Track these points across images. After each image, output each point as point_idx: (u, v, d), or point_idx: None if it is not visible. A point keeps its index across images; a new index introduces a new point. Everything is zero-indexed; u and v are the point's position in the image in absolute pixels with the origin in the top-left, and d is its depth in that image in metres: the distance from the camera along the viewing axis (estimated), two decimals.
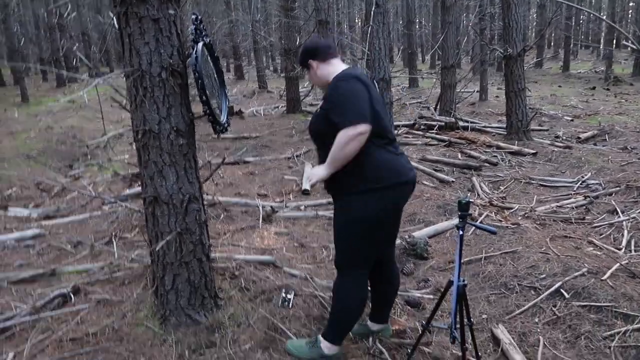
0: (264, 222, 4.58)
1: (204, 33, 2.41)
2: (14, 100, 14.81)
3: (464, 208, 1.82)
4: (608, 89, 16.09)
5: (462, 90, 11.03)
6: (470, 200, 2.17)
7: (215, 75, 2.67)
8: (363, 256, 2.22)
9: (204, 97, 2.23)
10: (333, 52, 2.30)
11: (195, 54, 2.23)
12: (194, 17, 2.33)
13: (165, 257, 2.41)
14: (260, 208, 4.78)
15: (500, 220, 4.17)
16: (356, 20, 29.13)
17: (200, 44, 2.29)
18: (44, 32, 23.11)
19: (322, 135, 2.16)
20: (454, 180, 5.75)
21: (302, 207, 5.05)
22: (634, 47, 4.44)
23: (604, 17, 29.52)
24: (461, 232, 1.86)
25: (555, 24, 25.86)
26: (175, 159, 2.31)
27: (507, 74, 7.30)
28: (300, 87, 11.87)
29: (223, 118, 2.54)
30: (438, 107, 9.97)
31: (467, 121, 8.68)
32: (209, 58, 2.58)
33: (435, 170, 6.09)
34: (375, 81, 5.94)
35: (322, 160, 2.20)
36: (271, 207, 4.85)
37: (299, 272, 3.26)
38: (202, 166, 4.01)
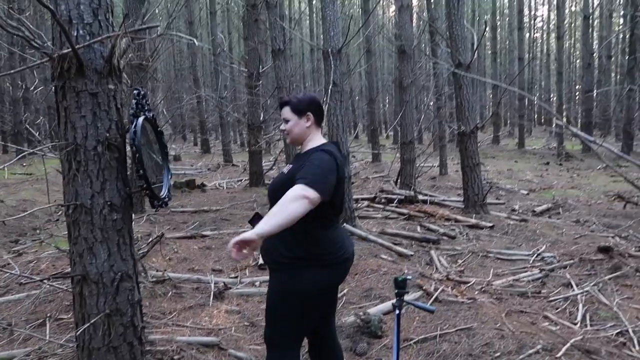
0: (215, 300, 4.38)
1: (146, 107, 2.40)
2: None
3: (400, 285, 1.76)
4: (561, 164, 16.88)
5: (422, 165, 11.35)
6: (408, 277, 2.13)
7: (158, 149, 2.63)
8: (295, 332, 2.16)
9: (140, 171, 2.17)
10: (321, 122, 2.36)
11: (135, 127, 2.20)
12: (135, 92, 2.32)
13: (91, 342, 2.23)
14: (212, 285, 4.59)
15: (457, 295, 4.11)
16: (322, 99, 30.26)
17: (140, 119, 2.27)
18: (8, 105, 23.02)
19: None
20: (412, 254, 5.72)
21: (257, 283, 4.89)
22: (562, 125, 4.69)
23: (554, 98, 31.65)
24: (397, 312, 1.79)
25: (509, 104, 27.52)
26: (107, 235, 2.20)
27: (462, 150, 7.57)
28: (263, 161, 11.98)
29: (164, 192, 2.47)
30: (399, 181, 10.17)
31: (426, 194, 8.84)
32: (151, 132, 2.55)
33: (394, 243, 6.07)
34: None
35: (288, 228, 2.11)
36: (224, 283, 4.66)
37: (246, 354, 3.07)
38: (154, 240, 3.88)
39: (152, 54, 8.01)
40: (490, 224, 6.97)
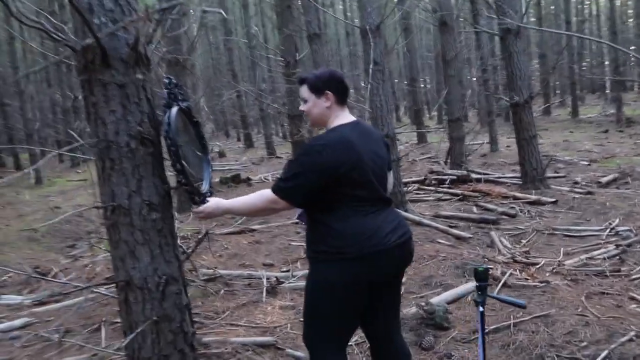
0: (268, 295, 4.23)
1: (180, 97, 2.22)
2: (28, 183, 14.98)
3: (481, 277, 1.50)
4: (621, 131, 15.80)
5: (472, 142, 10.83)
6: (489, 267, 1.86)
7: (197, 142, 2.45)
8: (331, 332, 2.00)
9: (178, 165, 2.00)
10: (345, 100, 2.12)
11: (168, 119, 2.02)
12: (166, 80, 2.15)
13: (140, 352, 2.09)
14: (265, 280, 4.45)
15: (527, 279, 3.78)
16: (361, 83, 29.80)
17: (174, 109, 2.09)
18: (61, 116, 23.93)
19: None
20: (471, 236, 5.38)
21: None
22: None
23: (607, 62, 29.78)
24: (481, 309, 1.53)
25: (559, 71, 26.06)
26: (149, 236, 2.05)
27: (516, 122, 7.10)
28: None
29: (205, 187, 2.29)
30: (448, 160, 9.74)
31: (479, 173, 8.40)
32: (188, 124, 2.38)
33: (450, 226, 5.74)
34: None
35: (309, 220, 2.08)
36: (276, 277, 4.51)
37: (304, 353, 2.88)
38: (201, 238, 3.76)
39: (189, 49, 7.96)
40: (553, 199, 6.49)
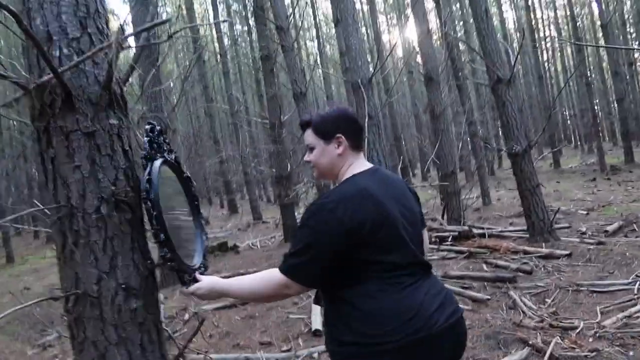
0: None
1: (165, 148, 1.77)
2: None
3: None
4: (609, 179, 15.76)
5: (466, 197, 10.52)
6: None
7: (188, 203, 1.97)
8: None
9: (161, 235, 1.51)
10: (361, 144, 1.69)
11: (149, 175, 1.56)
12: (149, 126, 1.70)
13: None
14: None
15: (573, 347, 3.25)
16: None
17: (157, 162, 1.64)
18: (37, 191, 23.19)
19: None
20: (489, 297, 4.86)
21: (315, 355, 4.10)
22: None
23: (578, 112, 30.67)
24: None
25: (534, 125, 26.59)
26: (125, 333, 1.52)
27: (517, 173, 6.79)
28: (296, 213, 11.33)
29: (197, 261, 1.79)
30: (444, 216, 9.34)
31: (481, 227, 7.99)
32: (176, 181, 1.92)
33: (464, 288, 5.22)
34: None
35: (324, 298, 1.60)
36: None
37: None
38: (189, 319, 3.20)
39: (169, 112, 7.62)
40: (567, 252, 6.05)
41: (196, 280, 1.62)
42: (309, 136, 1.66)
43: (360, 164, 1.65)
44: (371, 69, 6.19)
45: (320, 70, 19.32)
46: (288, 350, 4.30)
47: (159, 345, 1.61)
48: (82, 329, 1.51)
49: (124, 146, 1.60)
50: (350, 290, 1.50)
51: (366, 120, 5.52)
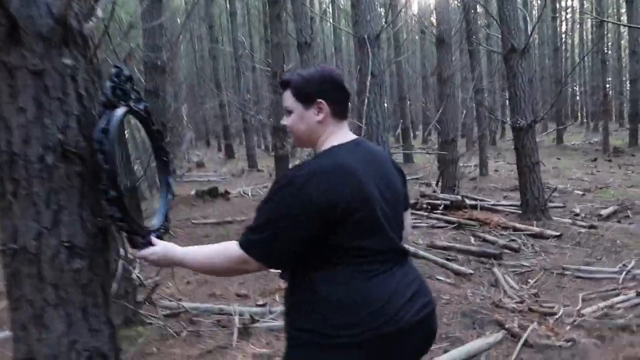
0: (240, 338, 3.57)
1: (132, 96, 1.59)
2: None
3: None
4: (610, 160, 15.59)
5: (463, 165, 10.38)
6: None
7: (156, 157, 1.82)
8: None
9: (111, 192, 1.37)
10: (345, 113, 1.51)
11: (106, 124, 1.40)
12: (114, 69, 1.52)
13: None
14: (237, 317, 3.78)
15: (549, 335, 3.20)
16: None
17: (119, 111, 1.47)
18: None
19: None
20: (472, 272, 4.81)
21: None
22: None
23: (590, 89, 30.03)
24: None
25: (542, 99, 26.10)
26: (66, 294, 1.40)
27: (519, 148, 6.61)
28: (290, 165, 11.19)
29: (156, 222, 1.66)
30: (439, 184, 9.23)
31: (474, 199, 7.88)
32: (143, 133, 1.75)
33: (448, 259, 5.17)
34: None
35: (289, 279, 1.47)
36: (250, 315, 3.85)
37: None
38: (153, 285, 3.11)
39: (170, 53, 7.30)
40: (557, 233, 5.99)
41: (151, 244, 1.49)
42: (288, 98, 1.48)
43: (342, 135, 1.49)
44: (384, 23, 5.89)
45: (330, 21, 18.65)
46: (263, 305, 4.27)
47: (104, 308, 1.50)
48: (18, 286, 1.39)
49: (79, 90, 1.42)
50: (314, 273, 1.37)
51: (369, 78, 5.27)
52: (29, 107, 1.34)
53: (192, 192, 10.45)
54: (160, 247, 1.47)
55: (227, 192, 11.09)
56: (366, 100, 5.11)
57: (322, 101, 1.44)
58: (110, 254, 1.55)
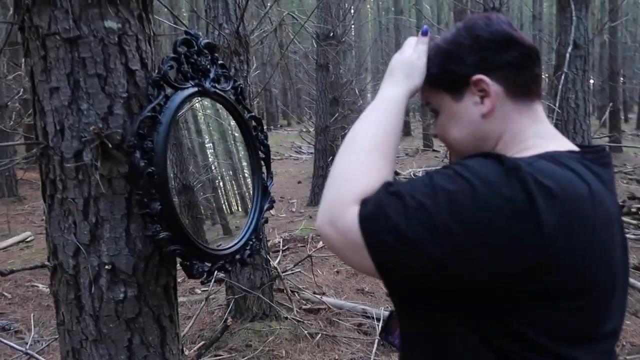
0: (379, 350, 3.12)
1: (210, 75, 1.19)
2: None
3: None
4: None
5: None
6: None
7: (248, 154, 1.39)
8: None
9: (155, 204, 0.99)
10: (535, 89, 0.82)
11: (152, 111, 1.02)
12: (181, 38, 1.14)
13: None
14: (380, 324, 3.33)
15: None
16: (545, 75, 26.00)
17: (183, 93, 1.09)
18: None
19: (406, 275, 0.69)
20: None
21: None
22: None
23: None
24: None
25: None
26: (107, 329, 1.09)
27: None
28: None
29: (240, 240, 1.25)
30: None
31: None
32: (227, 122, 1.35)
33: None
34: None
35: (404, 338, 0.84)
36: None
37: None
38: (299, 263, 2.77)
39: (343, 23, 7.01)
40: None
41: (209, 273, 1.09)
42: (425, 90, 0.86)
43: (548, 134, 0.80)
44: None
45: None
46: None
47: (159, 349, 1.16)
48: (58, 311, 1.13)
49: (129, 64, 1.06)
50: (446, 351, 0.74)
51: (569, 49, 4.19)
52: (62, 86, 1.02)
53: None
54: None
55: (397, 173, 10.65)
56: (562, 78, 4.06)
57: (483, 77, 0.81)
58: (172, 279, 1.20)
